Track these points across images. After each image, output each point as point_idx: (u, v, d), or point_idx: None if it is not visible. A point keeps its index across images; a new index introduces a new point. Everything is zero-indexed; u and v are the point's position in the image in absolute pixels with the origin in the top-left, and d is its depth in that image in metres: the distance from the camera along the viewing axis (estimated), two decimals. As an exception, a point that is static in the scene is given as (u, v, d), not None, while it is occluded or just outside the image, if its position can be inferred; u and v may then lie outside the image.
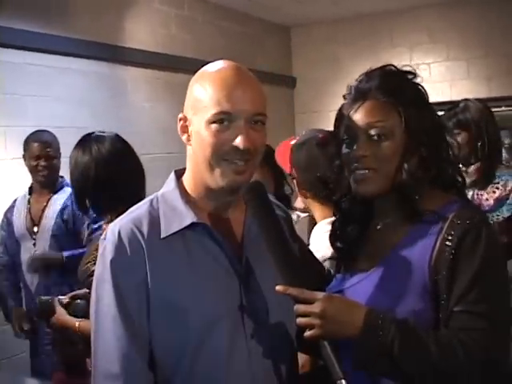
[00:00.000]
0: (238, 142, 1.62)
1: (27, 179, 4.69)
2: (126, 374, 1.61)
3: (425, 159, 1.78)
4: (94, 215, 3.25)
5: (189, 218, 1.67)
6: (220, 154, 1.63)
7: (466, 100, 3.85)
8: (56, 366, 3.81)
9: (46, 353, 4.23)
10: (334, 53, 9.13)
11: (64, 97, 5.80)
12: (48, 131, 4.58)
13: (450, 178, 1.85)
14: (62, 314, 2.98)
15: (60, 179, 4.53)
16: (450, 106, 3.91)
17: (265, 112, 1.69)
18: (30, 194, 4.57)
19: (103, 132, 2.99)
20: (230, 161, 1.64)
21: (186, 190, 1.75)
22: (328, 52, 9.16)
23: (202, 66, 1.76)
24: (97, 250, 2.79)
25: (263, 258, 1.68)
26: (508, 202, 3.46)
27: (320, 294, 1.63)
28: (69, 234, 4.39)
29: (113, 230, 1.70)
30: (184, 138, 1.73)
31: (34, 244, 4.42)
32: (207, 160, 1.65)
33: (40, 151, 4.43)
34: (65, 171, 4.55)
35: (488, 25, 8.25)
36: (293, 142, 2.83)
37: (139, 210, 1.74)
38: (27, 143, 4.49)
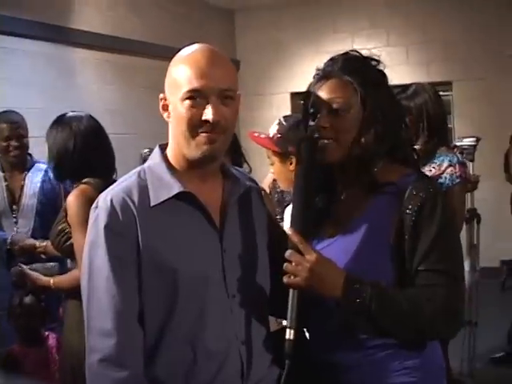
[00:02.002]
0: (207, 115, 1.78)
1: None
2: (119, 330, 1.74)
3: (380, 134, 1.97)
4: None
5: (176, 187, 1.82)
6: (193, 128, 1.79)
7: (415, 84, 4.01)
8: (13, 340, 3.91)
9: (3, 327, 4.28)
10: (277, 37, 9.31)
11: (12, 78, 5.83)
12: (15, 111, 4.53)
13: (405, 153, 2.05)
14: (37, 278, 3.40)
15: (29, 157, 4.50)
16: (399, 90, 4.08)
17: (234, 88, 1.85)
18: (2, 171, 4.51)
19: (77, 111, 3.31)
20: (201, 133, 1.79)
21: (170, 163, 1.89)
22: (271, 36, 9.33)
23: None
24: (65, 210, 3.10)
25: (244, 224, 1.87)
26: (440, 180, 3.68)
27: (315, 252, 1.83)
28: (51, 209, 4.33)
29: (104, 199, 1.82)
30: (165, 115, 1.89)
31: (16, 222, 4.40)
32: (183, 134, 1.81)
33: (10, 131, 4.36)
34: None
35: (427, 12, 8.55)
36: (257, 133, 3.30)
37: (128, 180, 1.87)
38: None
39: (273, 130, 3.21)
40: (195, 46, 1.87)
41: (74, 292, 2.98)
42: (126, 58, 7.05)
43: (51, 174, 4.35)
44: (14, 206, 4.41)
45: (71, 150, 3.13)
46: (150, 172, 1.88)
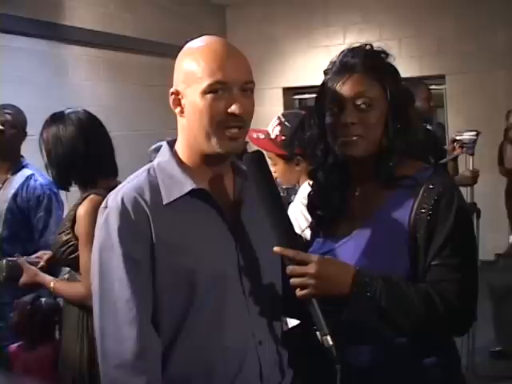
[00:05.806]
0: (234, 108, 1.71)
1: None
2: (135, 335, 1.68)
3: (401, 128, 1.94)
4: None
5: (188, 184, 1.76)
6: (216, 122, 1.72)
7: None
8: (13, 340, 3.81)
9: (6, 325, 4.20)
10: (268, 32, 9.26)
11: (5, 75, 5.76)
12: (11, 105, 4.29)
13: (421, 147, 2.02)
14: (36, 273, 3.07)
15: (20, 159, 4.16)
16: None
17: (253, 80, 1.79)
18: None
19: (71, 108, 3.01)
20: (225, 128, 1.73)
21: (180, 159, 1.83)
22: (263, 31, 9.29)
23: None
24: (71, 220, 2.84)
25: (256, 221, 1.80)
26: None
27: (314, 257, 1.78)
28: (22, 222, 4.01)
29: (115, 198, 1.75)
30: (177, 110, 1.80)
31: None
32: (204, 129, 1.73)
33: None
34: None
35: (419, 5, 8.52)
36: (256, 134, 3.14)
37: (138, 178, 1.80)
38: None
39: (274, 130, 3.09)
40: (206, 38, 1.81)
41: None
42: (118, 55, 7.00)
43: (30, 182, 4.00)
44: None
45: (81, 150, 2.86)
46: (159, 169, 1.82)
